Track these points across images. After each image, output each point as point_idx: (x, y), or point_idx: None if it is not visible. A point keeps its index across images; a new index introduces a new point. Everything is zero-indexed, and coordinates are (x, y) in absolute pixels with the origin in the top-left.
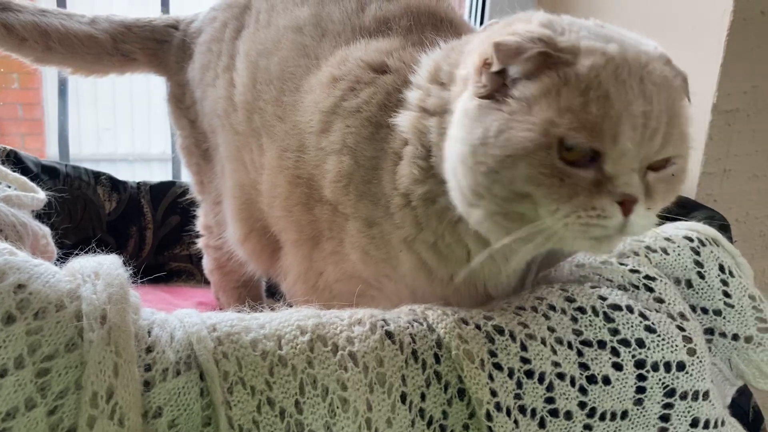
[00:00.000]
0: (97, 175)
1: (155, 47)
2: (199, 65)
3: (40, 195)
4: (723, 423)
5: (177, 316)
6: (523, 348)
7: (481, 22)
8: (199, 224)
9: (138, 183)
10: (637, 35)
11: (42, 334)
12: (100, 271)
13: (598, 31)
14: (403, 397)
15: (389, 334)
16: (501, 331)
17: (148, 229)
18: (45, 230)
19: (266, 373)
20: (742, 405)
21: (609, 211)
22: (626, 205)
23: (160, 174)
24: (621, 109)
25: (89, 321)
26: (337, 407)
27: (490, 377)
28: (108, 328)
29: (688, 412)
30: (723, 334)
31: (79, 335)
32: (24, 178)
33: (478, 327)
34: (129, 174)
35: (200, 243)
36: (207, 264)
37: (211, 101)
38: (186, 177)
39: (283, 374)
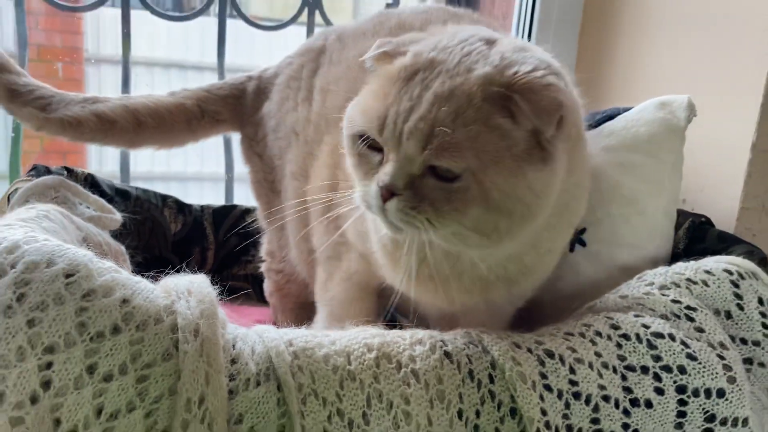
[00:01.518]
0: (164, 198)
1: (235, 102)
2: (277, 99)
3: (117, 216)
4: None
5: (256, 332)
6: (572, 371)
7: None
8: (263, 250)
9: (201, 206)
10: (525, 56)
11: (143, 345)
12: (192, 288)
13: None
14: (460, 414)
15: (447, 354)
16: (551, 355)
17: (210, 250)
18: (122, 249)
19: (337, 386)
20: None
21: (372, 192)
22: (384, 193)
23: (210, 193)
24: (389, 105)
25: (184, 334)
26: (401, 420)
27: (541, 398)
28: (201, 341)
29: None
30: (762, 364)
31: (174, 346)
32: (103, 201)
33: (529, 350)
34: (180, 193)
35: (263, 267)
36: (267, 287)
37: (289, 122)
38: (238, 199)
39: (352, 387)
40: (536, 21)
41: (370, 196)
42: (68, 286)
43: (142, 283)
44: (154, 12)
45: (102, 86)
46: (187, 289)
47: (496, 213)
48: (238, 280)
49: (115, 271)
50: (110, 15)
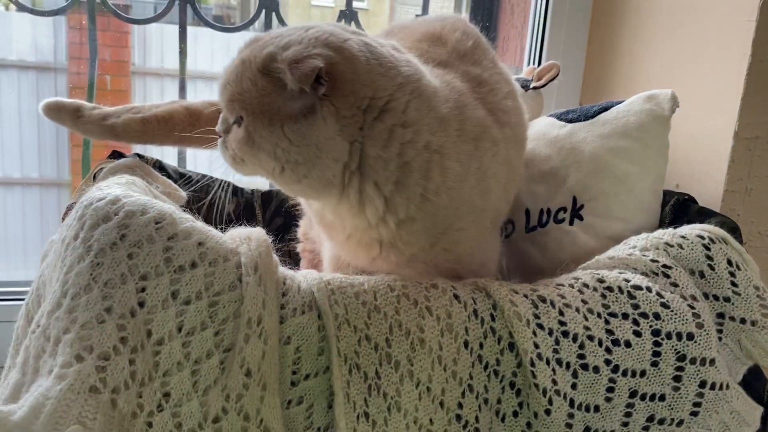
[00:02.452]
0: (221, 182)
1: None
2: None
3: (182, 193)
4: (728, 386)
5: (301, 273)
6: (561, 314)
7: (539, 62)
8: (300, 232)
9: (252, 189)
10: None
11: (214, 277)
12: (251, 236)
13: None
14: (466, 344)
15: (456, 297)
16: (543, 300)
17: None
18: None
19: (365, 316)
20: (758, 389)
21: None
22: (219, 135)
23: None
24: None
25: (246, 269)
26: (417, 345)
27: (534, 333)
28: (259, 275)
29: (697, 374)
30: (732, 318)
31: (238, 280)
32: (170, 181)
33: (525, 296)
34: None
35: (299, 248)
36: (302, 265)
37: None
38: None
39: (377, 318)
40: (548, 28)
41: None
42: (157, 230)
43: (213, 230)
44: (209, 25)
45: (147, 97)
46: (248, 236)
47: (264, 154)
48: (282, 257)
49: (192, 221)
50: (155, 30)
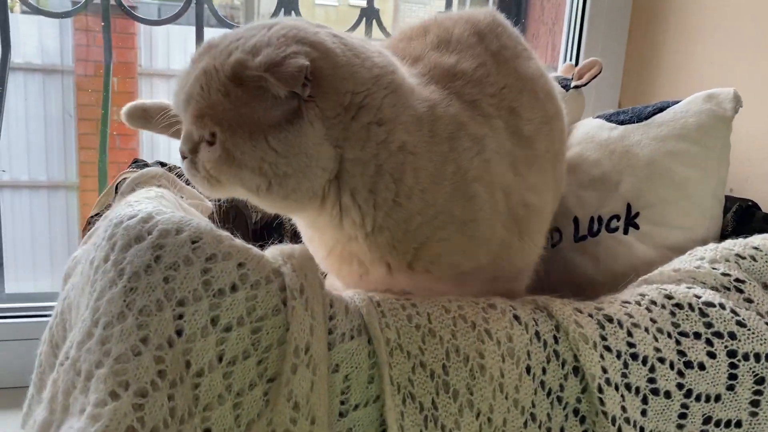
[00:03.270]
0: None
1: None
2: None
3: (208, 204)
4: None
5: (348, 294)
6: (629, 334)
7: (578, 59)
8: None
9: None
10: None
11: (256, 301)
12: (295, 254)
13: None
14: (528, 369)
15: (516, 317)
16: (610, 320)
17: (286, 238)
18: None
19: (419, 341)
20: None
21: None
22: (182, 157)
23: None
24: (178, 84)
25: (291, 292)
26: (476, 372)
27: (601, 357)
28: (306, 298)
29: None
30: None
31: (282, 303)
32: (195, 190)
33: (590, 315)
34: None
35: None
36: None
37: None
38: None
39: (433, 343)
40: (586, 25)
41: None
42: (194, 251)
43: (253, 249)
44: (224, 25)
45: (154, 98)
46: (291, 255)
47: (248, 171)
48: None
49: (230, 239)
50: (161, 31)
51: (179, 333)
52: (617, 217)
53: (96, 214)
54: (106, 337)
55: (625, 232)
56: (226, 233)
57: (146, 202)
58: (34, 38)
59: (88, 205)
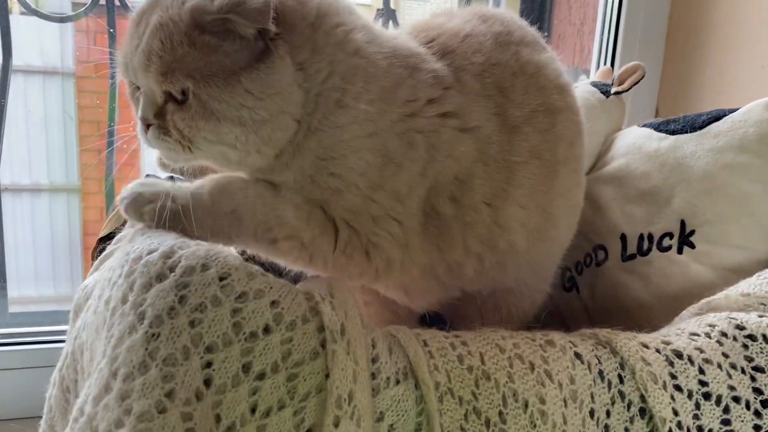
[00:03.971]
0: None
1: None
2: None
3: None
4: None
5: (391, 332)
6: (701, 371)
7: (613, 64)
8: None
9: None
10: None
11: (292, 344)
12: (332, 291)
13: None
14: (592, 413)
15: (578, 355)
16: (680, 356)
17: None
18: (235, 254)
19: (472, 385)
20: None
21: (138, 127)
22: (143, 126)
23: None
24: (125, 48)
25: (332, 333)
26: (537, 419)
27: (672, 398)
28: (347, 340)
29: None
30: None
31: (320, 345)
32: None
33: (657, 351)
34: None
35: None
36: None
37: None
38: None
39: (488, 387)
40: (622, 26)
41: (139, 132)
42: (223, 289)
43: (287, 285)
44: None
45: None
46: (329, 292)
47: (227, 123)
48: None
49: (262, 275)
50: None
51: (208, 383)
52: (670, 235)
53: (106, 236)
54: (126, 391)
55: (679, 251)
56: (256, 267)
57: (169, 235)
58: (34, 40)
59: (89, 208)
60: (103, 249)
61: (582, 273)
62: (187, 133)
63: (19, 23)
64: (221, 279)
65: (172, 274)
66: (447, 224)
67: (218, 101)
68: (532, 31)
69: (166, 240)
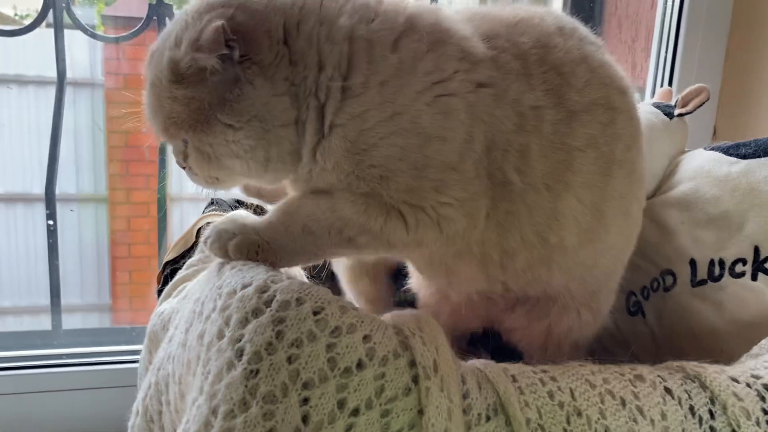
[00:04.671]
0: None
1: None
2: None
3: None
4: None
5: (478, 366)
6: None
7: (670, 82)
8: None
9: None
10: None
11: (385, 379)
12: (421, 325)
13: None
14: None
15: (668, 390)
16: None
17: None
18: (301, 272)
19: (564, 421)
20: None
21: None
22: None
23: None
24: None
25: (424, 370)
26: None
27: None
28: (440, 377)
29: None
30: None
31: (412, 381)
32: None
33: (748, 385)
34: None
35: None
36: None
37: None
38: None
39: (579, 423)
40: (681, 45)
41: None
42: (317, 323)
43: (376, 319)
44: None
45: None
46: (418, 326)
47: (225, 159)
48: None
49: (353, 308)
50: None
51: (305, 420)
52: (743, 261)
53: (173, 260)
54: (227, 429)
55: (754, 277)
56: (348, 301)
57: (254, 265)
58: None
59: (116, 218)
60: (171, 273)
61: (648, 298)
62: (202, 174)
63: (48, 36)
64: (315, 313)
65: (268, 308)
66: (513, 201)
67: (208, 145)
68: (593, 35)
69: (258, 273)
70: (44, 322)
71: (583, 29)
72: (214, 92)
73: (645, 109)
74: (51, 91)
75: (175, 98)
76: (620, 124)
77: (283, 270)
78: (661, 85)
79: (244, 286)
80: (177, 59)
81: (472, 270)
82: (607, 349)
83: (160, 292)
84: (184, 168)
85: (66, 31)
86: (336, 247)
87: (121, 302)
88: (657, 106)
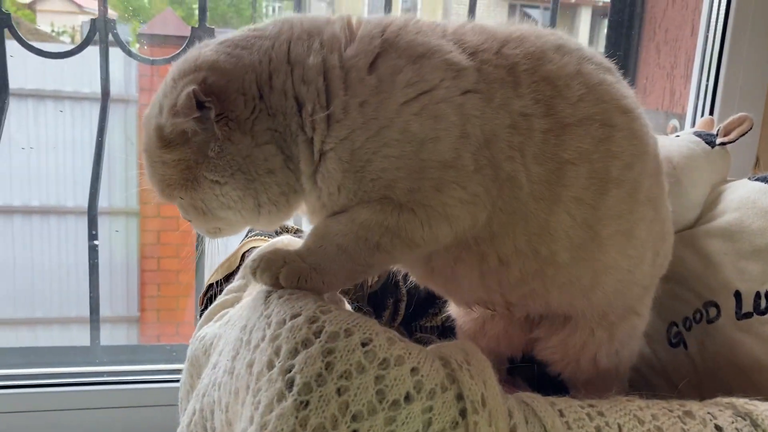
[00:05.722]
0: None
1: None
2: None
3: None
4: None
5: (525, 400)
6: None
7: (711, 111)
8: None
9: None
10: None
11: (433, 413)
12: (468, 358)
13: None
14: None
15: (718, 428)
16: None
17: (402, 302)
18: (341, 297)
19: None
20: None
21: None
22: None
23: None
24: None
25: (473, 404)
26: None
27: None
28: (488, 411)
29: None
30: None
31: (460, 415)
32: None
33: None
34: None
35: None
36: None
37: None
38: None
39: None
40: (723, 73)
41: None
42: (366, 355)
43: (423, 351)
44: None
45: None
46: (465, 359)
47: (219, 211)
48: (425, 332)
49: (400, 340)
50: None
51: None
52: None
53: (214, 283)
54: None
55: None
56: (393, 332)
57: (301, 294)
58: (99, 68)
59: (147, 231)
60: (215, 295)
61: (690, 329)
62: (202, 228)
63: (83, 52)
64: (364, 345)
65: (318, 339)
66: (513, 204)
67: (200, 200)
68: (606, 60)
69: (307, 303)
70: (76, 336)
71: (590, 51)
72: (199, 152)
73: (686, 138)
74: (86, 107)
75: (165, 162)
76: (618, 141)
77: (328, 297)
78: (702, 114)
79: (294, 316)
80: (161, 125)
81: (471, 279)
82: (647, 380)
83: (203, 312)
84: (189, 221)
85: (93, 47)
86: (368, 257)
87: (148, 315)
88: (698, 134)
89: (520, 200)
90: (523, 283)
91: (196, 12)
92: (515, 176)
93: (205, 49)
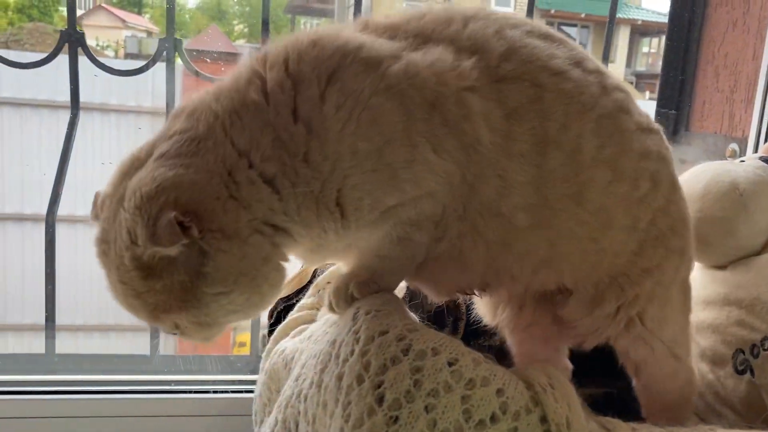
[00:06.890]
0: None
1: None
2: None
3: None
4: None
5: (606, 426)
6: None
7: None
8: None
9: None
10: None
11: None
12: (554, 381)
13: None
14: None
15: None
16: None
17: (461, 321)
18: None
19: None
20: None
21: None
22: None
23: None
24: None
25: (558, 427)
26: None
27: None
28: None
29: None
30: None
31: None
32: None
33: None
34: None
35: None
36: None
37: None
38: None
39: None
40: None
41: None
42: (452, 374)
43: (508, 373)
44: None
45: None
46: (550, 382)
47: (223, 319)
48: (483, 351)
49: (485, 361)
50: None
51: None
52: None
53: (286, 297)
54: None
55: None
56: (478, 354)
57: (387, 312)
58: (143, 82)
59: None
60: (284, 309)
61: (758, 356)
62: (200, 335)
63: (125, 66)
64: (450, 364)
65: (406, 357)
66: (480, 165)
67: (204, 315)
68: (555, 32)
69: (394, 321)
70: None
71: (544, 28)
72: (191, 270)
73: (752, 163)
74: (121, 119)
75: (155, 291)
76: (548, 102)
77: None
78: (766, 139)
79: (382, 333)
80: (139, 255)
81: (478, 255)
82: (712, 407)
83: (272, 326)
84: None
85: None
86: (402, 251)
87: None
88: (764, 159)
89: (484, 158)
90: (494, 253)
91: (236, 27)
92: (479, 136)
93: (155, 171)
